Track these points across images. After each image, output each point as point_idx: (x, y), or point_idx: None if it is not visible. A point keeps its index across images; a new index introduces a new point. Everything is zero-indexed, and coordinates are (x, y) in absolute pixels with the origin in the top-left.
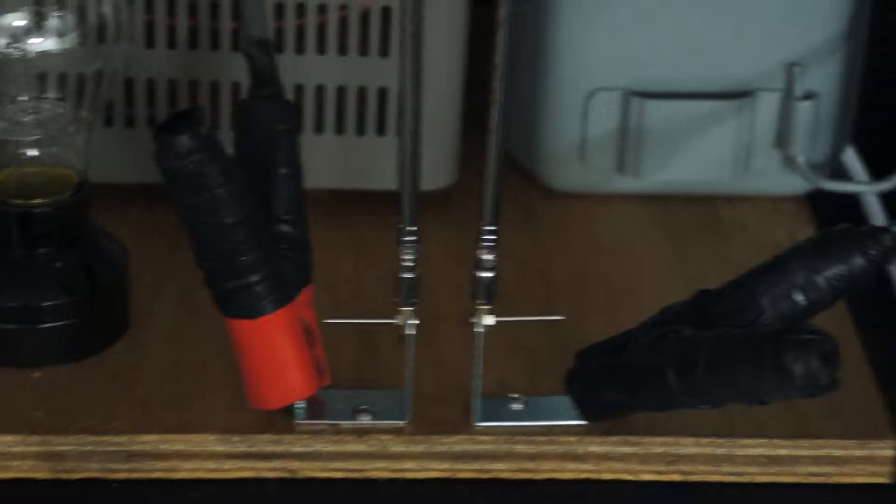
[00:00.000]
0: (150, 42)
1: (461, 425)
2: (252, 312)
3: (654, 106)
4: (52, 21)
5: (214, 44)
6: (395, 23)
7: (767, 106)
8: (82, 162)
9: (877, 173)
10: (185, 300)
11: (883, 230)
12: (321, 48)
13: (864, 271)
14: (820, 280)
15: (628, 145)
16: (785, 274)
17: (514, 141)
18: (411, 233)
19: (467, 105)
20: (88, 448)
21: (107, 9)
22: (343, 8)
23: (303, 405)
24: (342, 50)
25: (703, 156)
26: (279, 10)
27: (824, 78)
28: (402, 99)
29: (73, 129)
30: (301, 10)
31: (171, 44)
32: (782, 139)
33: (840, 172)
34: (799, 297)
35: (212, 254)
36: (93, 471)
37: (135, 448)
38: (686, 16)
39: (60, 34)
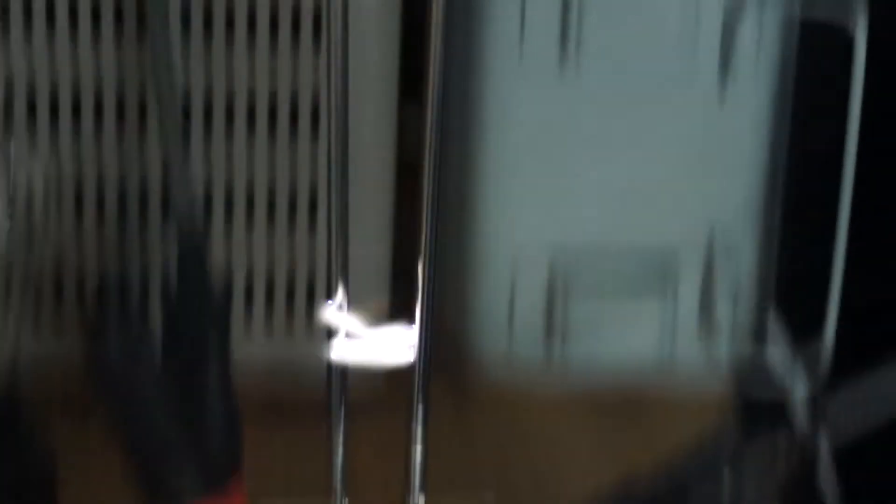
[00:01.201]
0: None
1: None
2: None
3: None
4: None
5: None
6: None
7: (689, 277)
8: None
9: (800, 332)
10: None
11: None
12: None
13: (787, 455)
14: (746, 465)
15: (554, 326)
16: (712, 460)
17: (444, 311)
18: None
19: None
20: None
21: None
22: None
23: None
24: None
25: (628, 342)
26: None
27: (743, 239)
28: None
29: None
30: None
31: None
32: (706, 307)
33: (763, 334)
34: (726, 483)
35: (141, 449)
36: None
37: None
38: (606, 187)
39: None
